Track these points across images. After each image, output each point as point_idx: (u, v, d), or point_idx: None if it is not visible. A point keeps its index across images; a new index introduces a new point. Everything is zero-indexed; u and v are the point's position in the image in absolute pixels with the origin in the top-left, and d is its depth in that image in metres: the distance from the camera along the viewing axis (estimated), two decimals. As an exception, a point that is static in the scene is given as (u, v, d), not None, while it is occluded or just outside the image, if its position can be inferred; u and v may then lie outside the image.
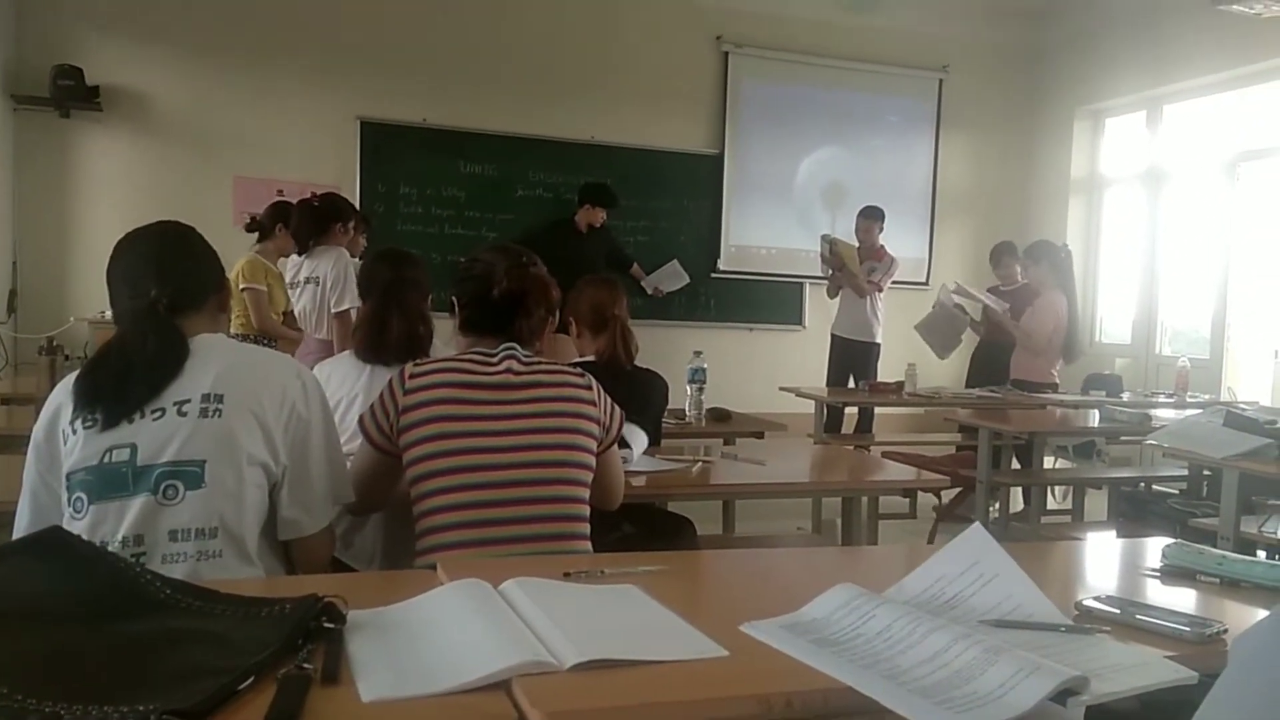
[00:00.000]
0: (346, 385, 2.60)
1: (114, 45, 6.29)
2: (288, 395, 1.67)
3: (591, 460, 1.86)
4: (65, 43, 6.18)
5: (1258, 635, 0.64)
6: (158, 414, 1.58)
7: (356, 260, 4.86)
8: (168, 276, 1.68)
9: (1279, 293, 6.45)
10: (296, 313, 4.49)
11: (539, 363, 1.89)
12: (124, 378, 1.59)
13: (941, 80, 8.02)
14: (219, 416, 1.59)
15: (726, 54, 7.54)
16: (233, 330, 4.57)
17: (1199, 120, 7.15)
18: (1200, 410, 4.80)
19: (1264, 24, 5.10)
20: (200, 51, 6.46)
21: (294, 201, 4.67)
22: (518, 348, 1.89)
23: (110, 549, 1.49)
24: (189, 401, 1.59)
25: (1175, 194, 7.32)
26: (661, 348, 7.07)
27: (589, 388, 1.90)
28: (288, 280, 4.54)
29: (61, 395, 1.64)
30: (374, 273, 2.65)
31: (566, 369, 1.93)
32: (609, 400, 1.95)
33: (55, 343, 3.04)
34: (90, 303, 6.09)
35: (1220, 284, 6.78)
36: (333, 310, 4.31)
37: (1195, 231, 7.11)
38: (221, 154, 6.53)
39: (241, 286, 4.46)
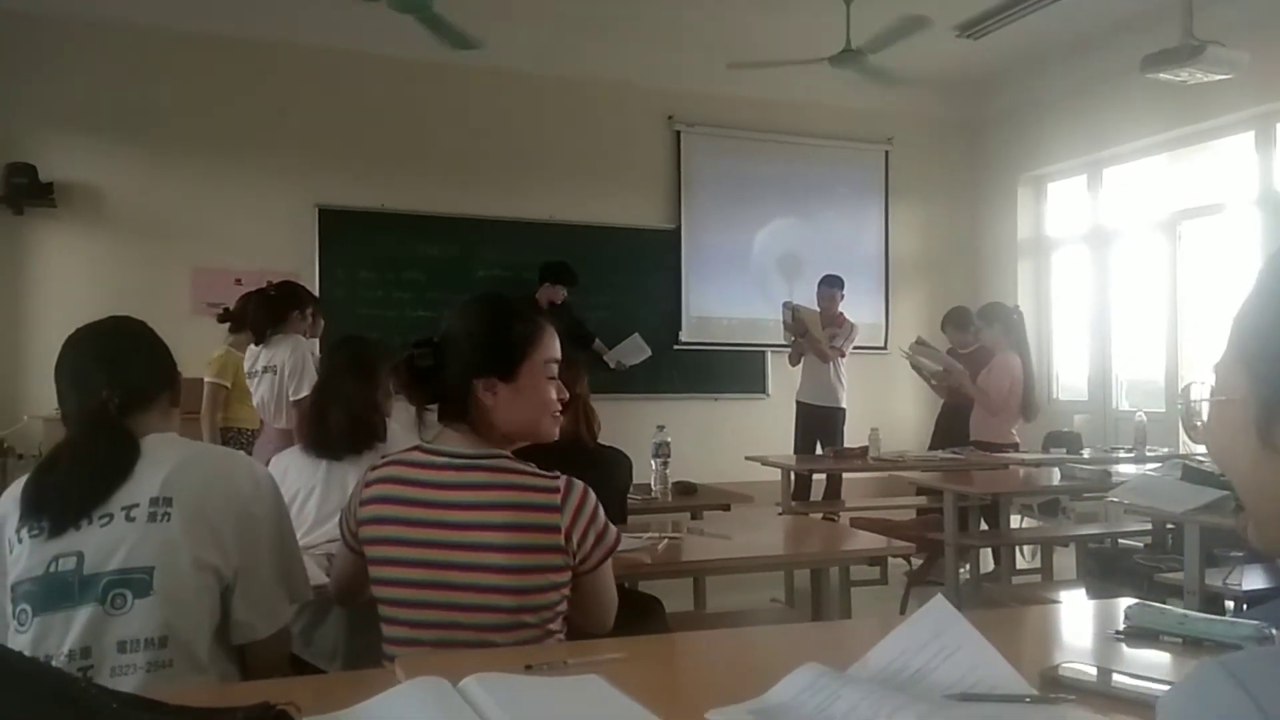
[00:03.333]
0: (304, 477, 2.58)
1: (67, 141, 6.30)
2: (239, 494, 1.64)
3: (542, 581, 1.62)
4: (18, 141, 6.18)
5: (1179, 694, 0.65)
6: (105, 520, 1.55)
7: (315, 346, 4.87)
8: (118, 375, 1.67)
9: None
10: (255, 402, 4.44)
11: (487, 456, 1.68)
12: (71, 483, 1.56)
13: (887, 152, 8.25)
14: (167, 521, 1.56)
15: (678, 133, 7.71)
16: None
17: (1138, 182, 7.40)
18: (1159, 464, 4.89)
19: (1194, 90, 5.31)
20: (155, 144, 6.48)
21: (269, 291, 4.61)
22: (470, 457, 1.67)
23: (55, 664, 1.45)
24: (137, 506, 1.56)
25: (1120, 252, 7.53)
26: (626, 421, 7.09)
27: (554, 490, 1.64)
28: (246, 370, 4.51)
29: (8, 504, 1.61)
30: (320, 363, 2.65)
31: (530, 470, 1.69)
32: (592, 516, 1.67)
33: (6, 444, 2.96)
34: (44, 400, 5.94)
35: (1170, 338, 6.94)
36: (291, 398, 4.27)
37: (1142, 288, 7.30)
38: (178, 245, 6.51)
39: (207, 379, 4.51)
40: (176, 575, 1.54)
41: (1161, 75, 4.69)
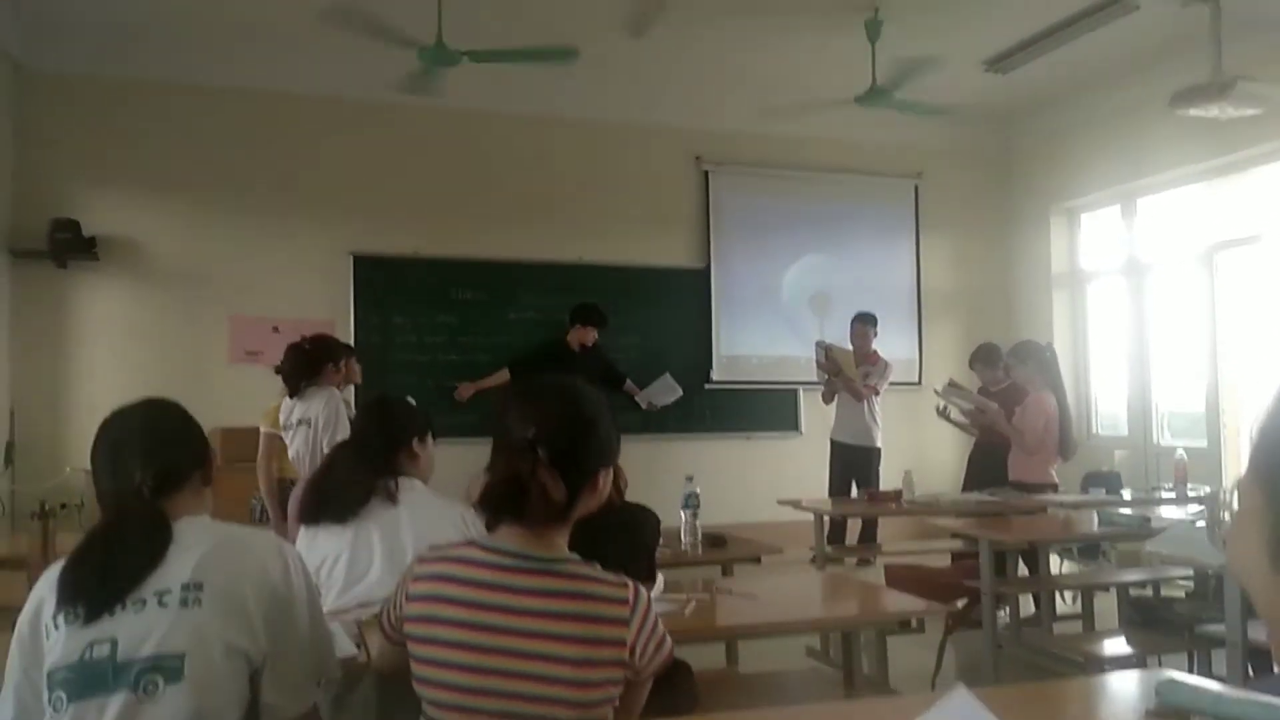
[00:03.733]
0: (332, 542, 2.61)
1: (110, 197, 6.48)
2: (268, 577, 1.67)
3: (602, 695, 1.54)
4: (62, 197, 6.36)
5: None
6: (139, 605, 1.58)
7: (351, 393, 4.96)
8: (151, 457, 1.71)
9: (1268, 376, 6.48)
10: (291, 456, 4.51)
11: (570, 574, 1.56)
12: (106, 569, 1.60)
13: (917, 185, 8.23)
14: (199, 606, 1.59)
15: (707, 172, 7.76)
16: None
17: (1173, 212, 7.31)
18: (1200, 504, 4.79)
19: (1227, 119, 5.26)
20: (193, 198, 6.64)
21: (304, 345, 4.64)
22: (539, 559, 1.57)
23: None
24: (169, 592, 1.59)
25: (1156, 284, 7.43)
26: (658, 461, 7.11)
27: (627, 620, 1.54)
28: (281, 423, 4.58)
29: (45, 589, 1.64)
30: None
31: (600, 577, 1.57)
32: (654, 627, 1.58)
33: (48, 506, 3.03)
34: (86, 452, 6.09)
35: (1210, 370, 6.82)
36: (325, 451, 4.32)
37: (1180, 319, 7.19)
38: (217, 295, 6.65)
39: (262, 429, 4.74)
40: (207, 661, 1.57)
41: (1192, 111, 4.65)
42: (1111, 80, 6.93)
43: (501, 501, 1.56)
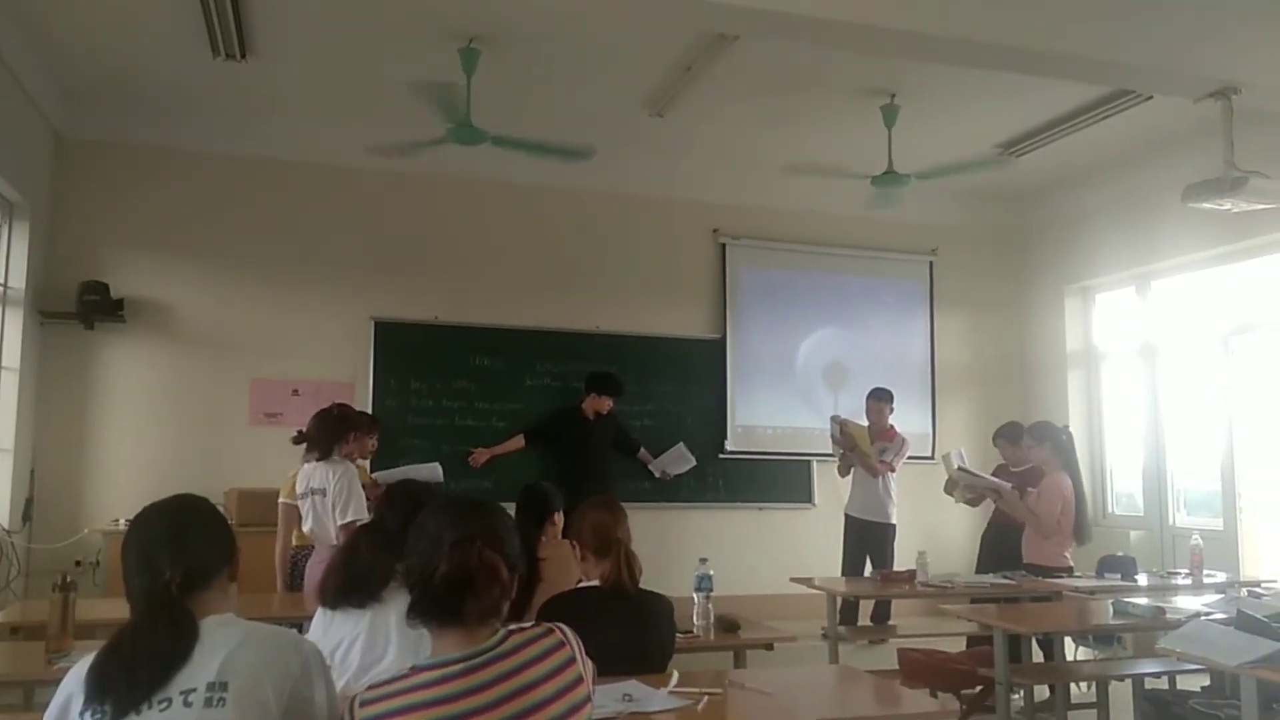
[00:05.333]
0: (348, 625, 2.63)
1: (139, 260, 6.61)
2: (290, 675, 1.70)
3: None
4: (93, 260, 6.49)
5: None
6: (165, 705, 1.61)
7: (366, 464, 5.00)
8: (180, 555, 1.75)
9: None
10: (306, 529, 4.55)
11: (511, 652, 1.66)
12: (134, 668, 1.63)
13: (932, 262, 8.31)
14: (223, 706, 1.61)
15: (724, 245, 7.86)
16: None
17: (1188, 295, 7.35)
18: (1218, 594, 4.75)
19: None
20: (220, 263, 6.77)
21: (334, 411, 4.70)
22: (482, 652, 1.65)
23: None
24: (195, 691, 1.62)
25: (1171, 365, 7.44)
26: (671, 530, 7.12)
27: (573, 659, 1.71)
28: (298, 492, 4.62)
29: (73, 684, 1.68)
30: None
31: (544, 647, 1.70)
32: (585, 652, 1.77)
33: (69, 578, 3.06)
34: (105, 512, 6.18)
35: (1226, 451, 6.80)
36: (339, 523, 4.37)
37: (1196, 402, 7.19)
38: (240, 357, 6.74)
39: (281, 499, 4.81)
40: (230, 760, 1.59)
41: (1205, 205, 4.71)
42: (1126, 165, 7.03)
43: (443, 597, 1.66)
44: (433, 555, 1.70)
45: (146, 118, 6.54)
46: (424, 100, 5.30)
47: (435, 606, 1.68)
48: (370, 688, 1.67)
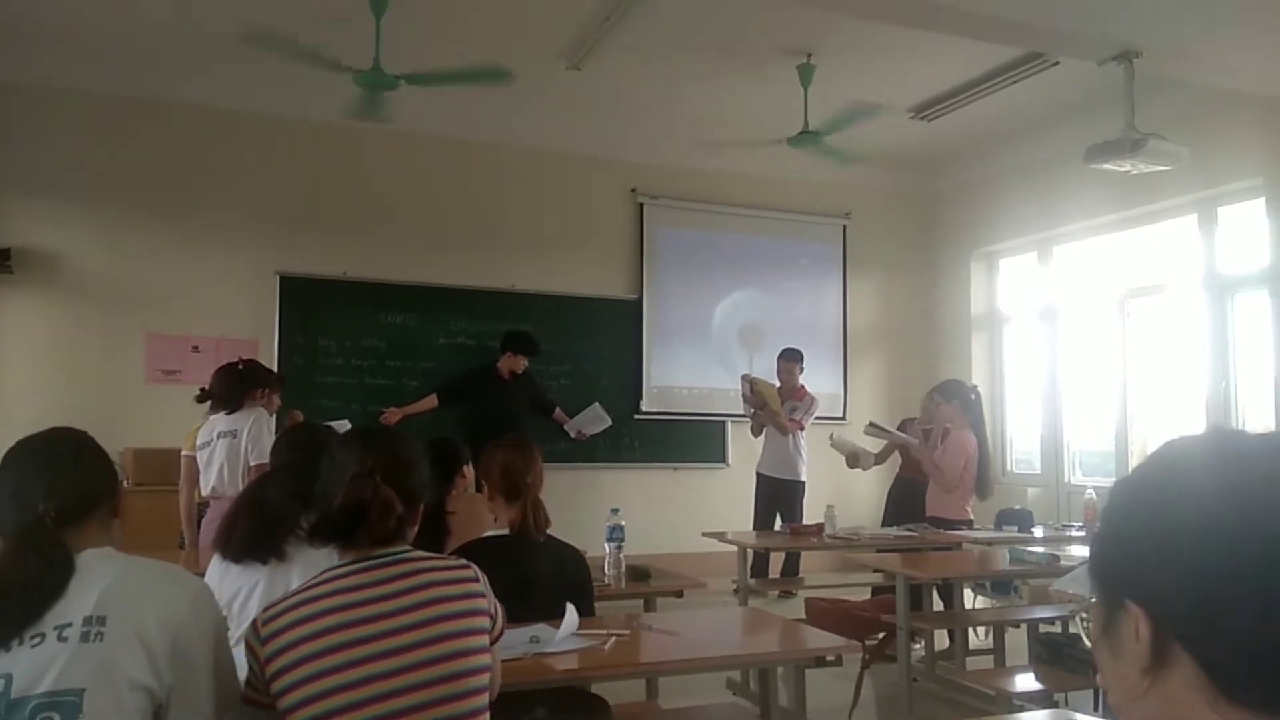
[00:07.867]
0: (247, 575, 2.54)
1: (26, 207, 6.27)
2: (175, 613, 1.62)
3: (487, 661, 1.74)
4: (-24, 207, 6.14)
5: None
6: (36, 640, 1.53)
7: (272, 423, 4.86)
8: (55, 487, 1.66)
9: (1176, 421, 6.76)
10: (214, 470, 4.39)
11: (413, 558, 1.76)
12: (3, 603, 1.55)
13: (845, 225, 8.42)
14: (100, 640, 1.54)
15: (641, 205, 7.83)
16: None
17: (1087, 259, 7.61)
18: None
19: (1140, 176, 5.50)
20: (115, 210, 6.47)
21: (239, 366, 4.55)
22: (383, 555, 1.74)
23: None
24: (70, 625, 1.54)
25: (1070, 328, 7.71)
26: (586, 490, 7.12)
27: (476, 579, 1.79)
28: (200, 442, 4.46)
29: (-59, 622, 1.58)
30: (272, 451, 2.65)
31: (450, 562, 1.81)
32: (493, 595, 1.82)
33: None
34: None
35: (1120, 410, 7.09)
36: (251, 464, 4.25)
37: (1092, 363, 7.47)
38: (136, 312, 6.47)
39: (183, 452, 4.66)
40: (108, 697, 1.52)
41: (1105, 166, 4.86)
42: (1030, 133, 7.20)
43: (340, 524, 1.73)
44: (334, 485, 1.77)
45: (35, 56, 6.14)
46: (333, 52, 5.09)
47: (333, 529, 1.76)
48: (267, 607, 1.70)
